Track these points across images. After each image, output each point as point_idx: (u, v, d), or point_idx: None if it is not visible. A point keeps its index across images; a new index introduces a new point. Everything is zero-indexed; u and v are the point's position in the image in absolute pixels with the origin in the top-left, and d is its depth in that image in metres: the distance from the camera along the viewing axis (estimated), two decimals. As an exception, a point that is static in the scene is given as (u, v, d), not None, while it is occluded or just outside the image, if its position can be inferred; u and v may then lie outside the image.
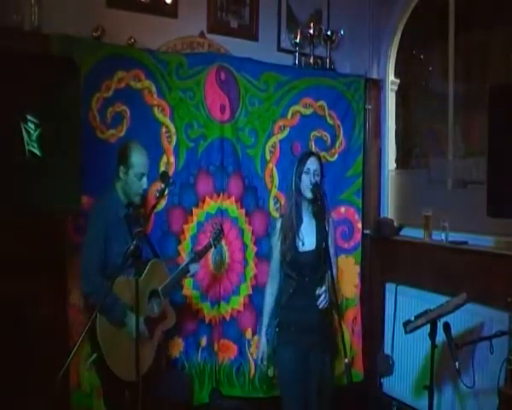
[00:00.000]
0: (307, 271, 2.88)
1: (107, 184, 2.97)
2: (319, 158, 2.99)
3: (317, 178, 2.86)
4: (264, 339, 2.99)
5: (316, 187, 2.80)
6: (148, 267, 2.85)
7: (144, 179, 2.88)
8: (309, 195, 2.84)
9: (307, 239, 2.91)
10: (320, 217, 2.85)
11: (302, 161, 2.93)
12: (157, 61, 3.56)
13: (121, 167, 2.87)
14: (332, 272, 2.66)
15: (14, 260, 2.96)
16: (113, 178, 2.93)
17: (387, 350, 4.14)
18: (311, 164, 2.89)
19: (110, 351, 2.68)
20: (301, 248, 2.89)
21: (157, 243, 3.53)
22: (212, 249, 3.31)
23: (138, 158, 2.87)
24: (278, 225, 2.98)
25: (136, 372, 2.42)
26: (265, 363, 3.00)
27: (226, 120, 3.79)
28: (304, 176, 2.88)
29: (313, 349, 2.89)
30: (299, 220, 2.91)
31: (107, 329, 2.70)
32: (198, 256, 3.09)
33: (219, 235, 3.22)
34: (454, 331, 2.87)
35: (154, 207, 2.75)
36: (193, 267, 3.02)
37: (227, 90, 3.79)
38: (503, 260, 3.30)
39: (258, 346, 3.05)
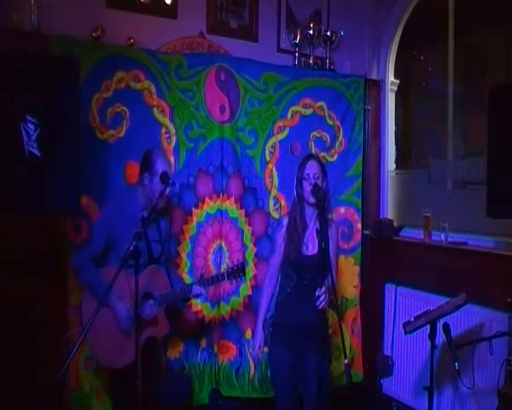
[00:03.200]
0: (308, 273, 2.86)
1: (112, 185, 2.99)
2: (318, 160, 2.97)
3: (318, 181, 2.85)
4: (260, 328, 2.97)
5: (316, 190, 2.78)
6: (146, 270, 2.85)
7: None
8: (310, 199, 2.83)
9: (311, 243, 2.89)
10: (322, 219, 2.83)
11: (301, 166, 2.91)
12: (157, 61, 3.55)
13: (146, 174, 2.90)
14: (332, 273, 2.65)
15: (15, 260, 2.96)
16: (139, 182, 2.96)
17: (387, 351, 4.15)
18: (310, 168, 2.86)
19: (92, 330, 2.64)
20: (304, 252, 2.88)
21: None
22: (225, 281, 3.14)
23: (163, 166, 2.90)
24: (284, 222, 2.96)
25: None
26: (261, 351, 2.97)
27: (226, 121, 3.78)
28: (304, 182, 2.86)
29: (308, 351, 2.86)
30: (304, 226, 2.90)
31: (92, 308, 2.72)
32: (206, 282, 3.01)
33: (238, 272, 3.05)
34: (454, 332, 2.87)
35: (154, 207, 2.75)
36: (195, 289, 2.96)
37: (227, 90, 3.79)
38: (502, 260, 3.30)
39: (255, 335, 2.99)
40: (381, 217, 4.52)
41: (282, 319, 2.92)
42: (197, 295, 3.02)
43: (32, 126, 2.50)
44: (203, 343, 3.73)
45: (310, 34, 4.26)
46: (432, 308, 2.96)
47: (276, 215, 3.89)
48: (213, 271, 3.73)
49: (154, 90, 3.55)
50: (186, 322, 3.67)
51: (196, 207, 3.71)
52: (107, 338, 2.77)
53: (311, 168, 2.87)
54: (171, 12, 3.81)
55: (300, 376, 2.89)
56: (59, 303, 3.17)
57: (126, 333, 2.82)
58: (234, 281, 3.17)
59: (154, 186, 2.88)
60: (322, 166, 2.93)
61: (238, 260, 3.20)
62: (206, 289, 3.07)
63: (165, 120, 3.60)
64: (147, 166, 2.91)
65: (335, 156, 4.19)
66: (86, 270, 2.81)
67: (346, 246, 4.24)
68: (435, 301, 3.29)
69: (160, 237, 3.00)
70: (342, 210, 4.21)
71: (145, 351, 2.81)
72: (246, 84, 3.85)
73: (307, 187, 2.84)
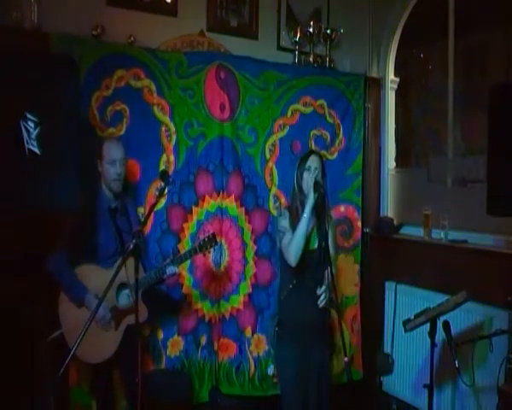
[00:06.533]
0: (309, 269, 2.86)
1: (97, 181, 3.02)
2: (320, 156, 2.98)
3: (319, 176, 2.86)
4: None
5: (317, 184, 2.79)
6: (120, 260, 2.77)
7: (117, 164, 2.96)
8: (311, 192, 2.83)
9: (311, 238, 2.89)
10: (321, 215, 2.83)
11: (303, 159, 2.93)
12: (157, 59, 3.56)
13: (98, 162, 2.99)
14: (332, 270, 2.65)
15: (14, 260, 2.96)
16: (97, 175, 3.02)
17: (387, 349, 4.15)
18: (312, 162, 2.89)
19: (70, 330, 2.79)
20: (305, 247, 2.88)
21: (157, 242, 3.55)
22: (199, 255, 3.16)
23: (108, 147, 2.98)
24: (287, 213, 2.94)
25: (135, 372, 2.43)
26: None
27: (226, 119, 3.78)
28: (305, 174, 2.88)
29: (312, 347, 2.89)
30: None
31: (69, 307, 2.86)
32: (179, 259, 3.03)
33: (209, 243, 3.06)
34: (454, 330, 2.87)
35: (154, 205, 2.74)
36: (170, 269, 2.97)
37: (227, 88, 3.79)
38: (502, 258, 3.30)
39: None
40: (381, 215, 4.52)
41: (286, 317, 2.93)
42: (172, 275, 3.03)
43: (31, 124, 2.49)
44: (203, 341, 3.73)
45: (310, 32, 4.25)
46: (432, 306, 2.96)
47: (276, 213, 3.89)
48: (214, 269, 3.74)
49: (154, 88, 3.55)
50: (186, 320, 3.67)
51: (196, 205, 3.71)
52: (87, 336, 2.75)
53: (313, 162, 2.89)
54: (171, 10, 3.80)
55: (306, 372, 2.90)
56: (58, 303, 3.16)
57: (106, 328, 2.88)
58: (207, 252, 3.30)
59: (104, 167, 2.96)
60: (323, 164, 2.95)
61: (209, 232, 3.18)
62: (178, 267, 3.05)
63: (166, 119, 3.60)
64: (98, 152, 2.98)
65: (335, 154, 4.19)
66: (63, 270, 2.85)
67: (346, 244, 4.24)
68: (435, 298, 3.29)
69: (130, 227, 3.00)
70: (342, 208, 4.21)
71: (127, 339, 2.86)
72: (246, 83, 3.85)
73: (307, 178, 2.85)
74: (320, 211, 2.82)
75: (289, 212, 2.94)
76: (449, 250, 3.72)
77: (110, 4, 3.56)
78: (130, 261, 2.51)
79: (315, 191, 2.77)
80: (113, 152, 2.96)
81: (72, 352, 2.15)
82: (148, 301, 2.96)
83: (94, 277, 2.84)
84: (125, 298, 2.94)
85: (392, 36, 4.48)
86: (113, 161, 2.95)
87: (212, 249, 3.25)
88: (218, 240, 3.19)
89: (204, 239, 3.07)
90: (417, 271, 3.96)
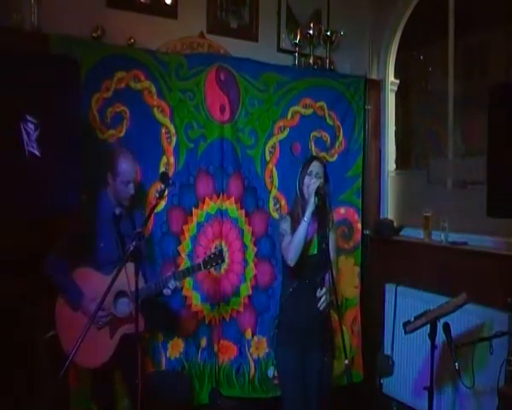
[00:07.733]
0: (308, 273, 2.88)
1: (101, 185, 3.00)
2: (323, 162, 3.02)
3: (320, 181, 2.86)
4: None
5: (318, 188, 2.79)
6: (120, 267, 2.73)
7: (131, 185, 2.93)
8: (312, 197, 2.83)
9: (311, 244, 2.90)
10: (322, 219, 2.84)
11: (306, 164, 2.96)
12: (157, 61, 3.56)
13: (109, 174, 2.93)
14: (332, 273, 2.65)
15: (14, 260, 2.96)
16: (103, 182, 2.98)
17: (387, 351, 4.14)
18: (314, 167, 2.92)
19: (65, 331, 2.79)
20: (304, 252, 2.87)
21: (157, 244, 3.55)
22: (202, 271, 3.09)
23: (124, 166, 2.92)
24: (289, 218, 2.96)
25: (135, 374, 2.42)
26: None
27: (226, 121, 3.78)
28: (307, 178, 2.90)
29: (312, 350, 2.90)
30: None
31: (64, 309, 2.83)
32: (182, 274, 2.97)
33: (215, 260, 2.98)
34: (454, 332, 2.86)
35: (154, 207, 2.74)
36: (171, 284, 2.90)
37: (227, 90, 3.79)
38: (502, 260, 3.30)
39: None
40: (381, 217, 4.52)
41: (286, 319, 2.95)
42: (172, 289, 2.95)
43: (32, 126, 2.49)
44: (203, 343, 3.73)
45: (310, 34, 4.26)
46: (432, 308, 2.96)
47: (276, 215, 3.89)
48: (214, 271, 3.74)
49: (154, 90, 3.55)
50: (186, 322, 3.67)
51: (196, 207, 3.71)
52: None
53: (315, 167, 2.92)
54: (171, 12, 3.81)
55: (305, 374, 2.91)
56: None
57: (101, 332, 2.84)
58: (212, 269, 3.19)
59: (117, 186, 2.91)
60: (325, 169, 2.97)
61: (217, 248, 3.12)
62: (180, 283, 3.01)
63: (166, 120, 3.61)
64: (109, 165, 2.93)
65: (335, 156, 4.19)
66: (60, 273, 2.83)
67: (346, 246, 4.24)
68: (435, 300, 3.28)
69: (133, 230, 2.91)
70: (342, 210, 4.21)
71: (122, 349, 2.83)
72: (246, 84, 3.85)
73: (309, 183, 2.87)
74: (321, 215, 2.82)
75: (291, 217, 2.96)
76: (449, 252, 3.71)
77: (110, 6, 3.57)
78: (131, 269, 2.48)
79: (316, 195, 2.78)
80: (128, 173, 2.91)
81: (71, 356, 2.14)
82: (146, 310, 2.89)
83: (93, 282, 2.81)
84: (122, 306, 2.88)
85: (393, 38, 4.49)
86: (128, 182, 2.92)
87: (216, 266, 3.15)
88: (224, 258, 3.11)
89: (210, 256, 3.00)
90: (417, 273, 3.95)
